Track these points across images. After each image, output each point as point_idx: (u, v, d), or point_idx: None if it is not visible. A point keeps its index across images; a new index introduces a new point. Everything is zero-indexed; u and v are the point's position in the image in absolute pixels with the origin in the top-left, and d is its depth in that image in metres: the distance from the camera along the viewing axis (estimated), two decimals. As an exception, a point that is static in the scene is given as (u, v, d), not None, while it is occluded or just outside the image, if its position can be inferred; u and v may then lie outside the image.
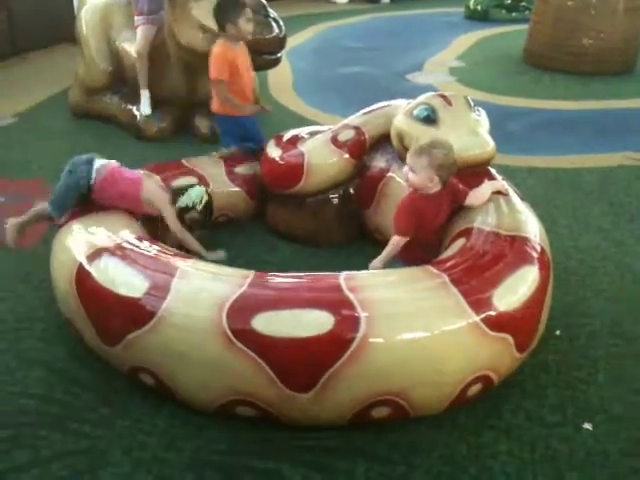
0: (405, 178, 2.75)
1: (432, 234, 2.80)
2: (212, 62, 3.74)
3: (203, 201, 3.09)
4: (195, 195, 3.06)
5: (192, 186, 3.19)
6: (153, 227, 3.13)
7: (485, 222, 2.68)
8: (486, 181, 2.87)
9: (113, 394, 2.52)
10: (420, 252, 2.69)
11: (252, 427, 2.35)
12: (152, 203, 3.02)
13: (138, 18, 4.90)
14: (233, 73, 3.73)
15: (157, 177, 3.27)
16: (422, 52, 7.54)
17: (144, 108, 5.02)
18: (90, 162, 3.01)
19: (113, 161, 3.12)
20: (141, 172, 3.22)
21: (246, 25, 3.69)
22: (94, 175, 2.97)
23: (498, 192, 2.85)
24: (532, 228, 2.68)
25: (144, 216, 3.07)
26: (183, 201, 3.07)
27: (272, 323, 2.19)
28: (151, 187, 3.05)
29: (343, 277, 2.36)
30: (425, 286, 2.33)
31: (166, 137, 4.97)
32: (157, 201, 3.03)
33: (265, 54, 4.20)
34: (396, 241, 2.73)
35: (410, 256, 2.69)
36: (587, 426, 2.38)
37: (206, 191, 3.22)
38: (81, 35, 5.31)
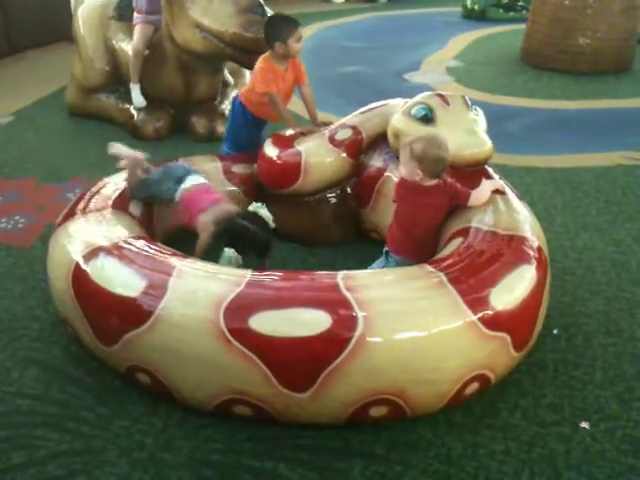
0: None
1: (428, 233, 2.81)
2: (258, 77, 3.73)
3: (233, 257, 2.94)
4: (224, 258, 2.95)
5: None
6: (149, 226, 3.14)
7: (482, 221, 2.68)
8: (484, 180, 2.87)
9: (110, 394, 2.51)
10: (414, 250, 2.71)
11: (249, 426, 2.35)
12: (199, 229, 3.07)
13: (137, 16, 4.89)
14: None
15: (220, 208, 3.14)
16: (419, 51, 7.53)
17: (137, 99, 4.98)
18: (180, 182, 3.12)
19: (202, 180, 3.18)
20: (216, 197, 3.15)
21: (295, 45, 3.66)
22: (178, 196, 3.11)
23: (496, 191, 2.86)
24: (529, 227, 2.68)
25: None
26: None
27: (269, 322, 2.19)
28: (204, 221, 3.04)
29: (340, 276, 2.36)
30: (422, 285, 2.33)
31: (163, 136, 4.96)
32: (201, 232, 3.04)
33: (261, 53, 4.19)
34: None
35: (405, 252, 2.71)
36: (584, 425, 2.38)
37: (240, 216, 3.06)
38: (78, 34, 5.29)
